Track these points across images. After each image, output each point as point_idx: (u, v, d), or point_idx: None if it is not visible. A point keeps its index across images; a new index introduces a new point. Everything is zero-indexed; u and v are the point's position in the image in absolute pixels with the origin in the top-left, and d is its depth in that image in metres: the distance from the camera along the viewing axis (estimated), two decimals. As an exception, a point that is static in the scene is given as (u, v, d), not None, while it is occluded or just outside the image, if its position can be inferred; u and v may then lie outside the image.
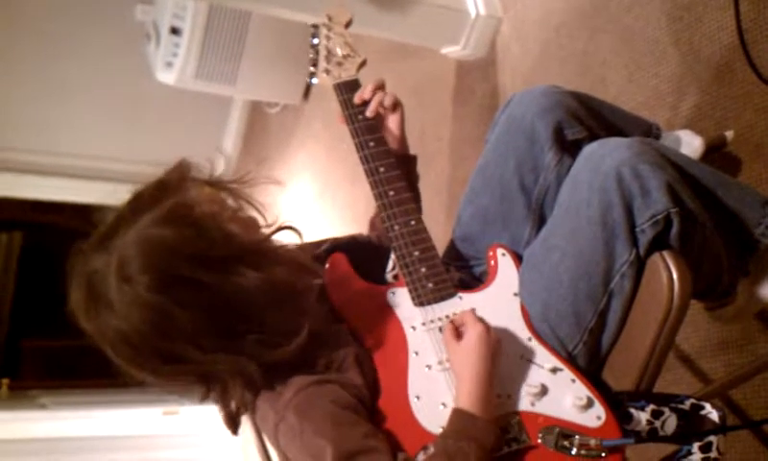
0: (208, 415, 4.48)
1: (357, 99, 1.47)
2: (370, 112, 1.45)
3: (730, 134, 1.85)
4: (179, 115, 4.47)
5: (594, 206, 1.20)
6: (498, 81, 2.70)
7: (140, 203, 1.17)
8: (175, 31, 3.59)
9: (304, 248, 1.37)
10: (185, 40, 3.55)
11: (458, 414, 1.13)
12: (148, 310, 1.11)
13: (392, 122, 1.49)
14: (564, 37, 2.44)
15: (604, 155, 1.23)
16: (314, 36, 1.60)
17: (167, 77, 3.69)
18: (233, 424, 1.26)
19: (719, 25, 1.93)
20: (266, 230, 1.24)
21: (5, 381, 4.79)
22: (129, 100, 4.34)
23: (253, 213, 1.24)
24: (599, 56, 2.29)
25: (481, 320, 1.20)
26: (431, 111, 3.02)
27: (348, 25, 1.59)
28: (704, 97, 1.94)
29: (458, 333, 1.21)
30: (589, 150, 1.27)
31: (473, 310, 1.24)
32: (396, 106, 1.48)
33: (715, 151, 1.84)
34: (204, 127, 4.69)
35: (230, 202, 1.23)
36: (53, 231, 6.15)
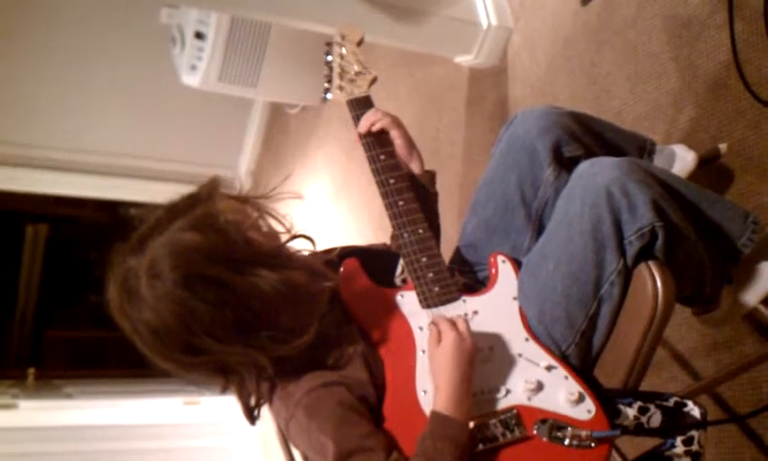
0: (228, 406, 4.54)
1: (364, 128, 1.57)
2: (375, 129, 1.56)
3: (723, 147, 1.94)
4: (201, 115, 4.56)
5: (586, 219, 1.32)
6: (509, 89, 2.81)
7: (174, 211, 1.29)
8: (199, 35, 3.67)
9: (316, 255, 1.47)
10: (209, 45, 3.65)
11: (434, 416, 1.25)
12: (174, 304, 1.23)
13: (396, 139, 1.57)
14: (571, 50, 2.54)
15: (596, 173, 1.34)
16: (327, 53, 1.69)
17: (192, 79, 3.79)
18: (251, 416, 1.38)
19: (715, 43, 2.03)
20: (284, 238, 1.36)
21: (31, 371, 4.89)
22: (153, 100, 4.44)
23: (274, 223, 1.37)
24: (604, 68, 2.39)
25: (455, 327, 1.31)
26: (445, 117, 3.13)
27: (359, 43, 1.70)
28: (700, 111, 2.04)
29: (438, 339, 1.31)
30: (582, 168, 1.38)
31: (450, 318, 1.34)
32: (390, 128, 1.57)
33: (710, 163, 1.94)
34: (226, 127, 4.80)
35: (253, 213, 1.35)
36: (78, 225, 6.30)
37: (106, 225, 6.09)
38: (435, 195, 1.63)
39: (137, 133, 4.53)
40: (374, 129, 1.56)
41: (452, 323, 1.32)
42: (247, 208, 1.35)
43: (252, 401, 1.36)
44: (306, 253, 1.44)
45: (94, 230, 6.29)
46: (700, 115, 2.04)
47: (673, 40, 2.15)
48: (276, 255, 1.31)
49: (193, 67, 3.78)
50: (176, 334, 1.25)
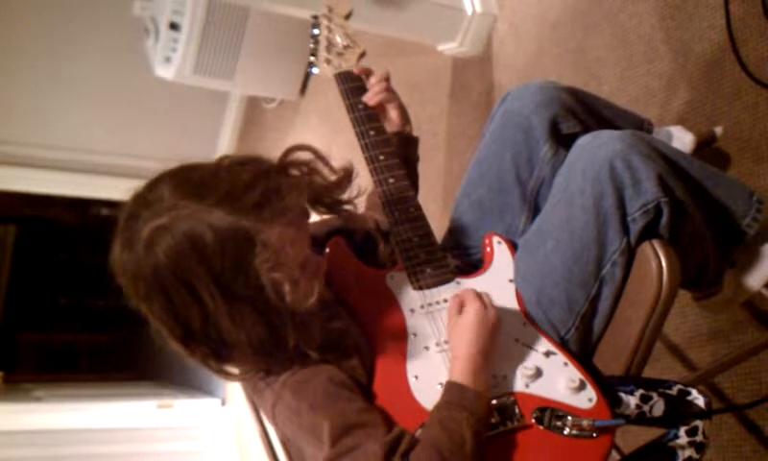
0: (203, 408, 4.53)
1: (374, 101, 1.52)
2: (370, 101, 1.50)
3: (719, 130, 1.89)
4: (175, 110, 4.46)
5: (587, 194, 1.25)
6: (494, 77, 2.74)
7: (243, 193, 1.14)
8: (174, 26, 3.58)
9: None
10: (184, 35, 3.55)
11: (450, 386, 1.17)
12: (143, 280, 1.14)
13: (392, 112, 1.54)
14: (559, 35, 2.49)
15: (598, 146, 1.27)
16: (314, 26, 1.63)
17: (166, 72, 3.69)
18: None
19: (709, 24, 1.97)
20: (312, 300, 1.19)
21: (0, 374, 4.79)
22: (125, 94, 4.32)
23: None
24: (593, 53, 2.34)
25: (480, 298, 1.24)
26: (428, 107, 3.05)
27: (348, 16, 1.63)
28: (694, 94, 1.99)
29: (459, 311, 1.24)
30: (584, 141, 1.31)
31: (474, 289, 1.27)
32: (392, 99, 1.54)
33: (705, 146, 1.89)
34: (201, 122, 4.69)
35: (294, 270, 1.17)
36: (47, 226, 6.18)
37: (76, 225, 5.97)
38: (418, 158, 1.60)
39: (108, 127, 4.41)
40: (374, 102, 1.50)
41: (477, 293, 1.24)
42: (291, 250, 1.16)
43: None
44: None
45: (64, 230, 6.17)
46: (694, 98, 1.99)
47: (665, 22, 2.10)
48: (276, 309, 1.17)
49: (167, 59, 3.68)
50: (134, 291, 1.17)
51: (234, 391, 4.33)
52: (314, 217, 1.41)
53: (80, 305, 6.39)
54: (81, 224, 5.88)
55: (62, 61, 4.15)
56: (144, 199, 1.17)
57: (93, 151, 4.48)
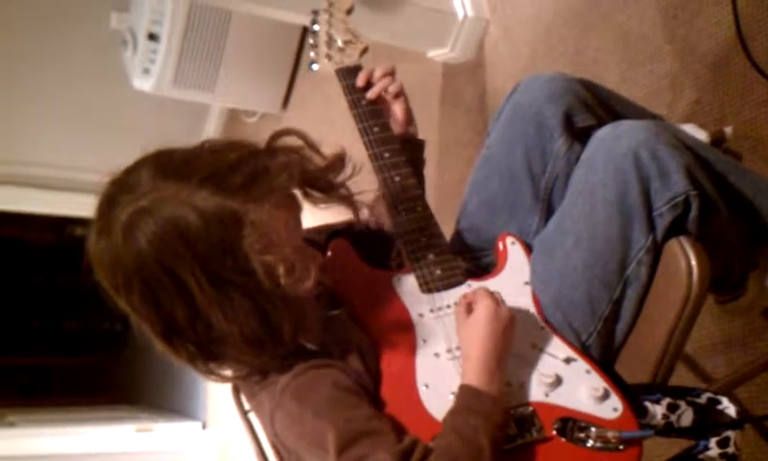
0: (183, 432, 4.43)
1: (361, 80, 1.44)
2: (371, 95, 1.43)
3: (729, 130, 1.82)
4: (154, 124, 4.37)
5: (610, 188, 1.17)
6: (487, 83, 2.66)
7: (228, 173, 1.06)
8: (152, 36, 3.50)
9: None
10: (163, 46, 3.46)
11: (464, 390, 1.09)
12: (121, 269, 1.06)
13: (397, 109, 1.46)
14: (554, 37, 2.42)
15: (620, 136, 1.19)
16: (314, 22, 1.57)
17: (144, 84, 3.61)
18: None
19: (716, 21, 1.91)
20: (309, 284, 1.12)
21: (-30, 401, 4.67)
22: (101, 108, 4.22)
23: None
24: (591, 54, 2.27)
25: (492, 295, 1.16)
26: (417, 116, 2.95)
27: (349, 11, 1.56)
28: (701, 94, 1.92)
29: (470, 310, 1.16)
30: (603, 132, 1.23)
31: (485, 288, 1.19)
32: (400, 94, 1.46)
33: (715, 146, 1.81)
34: (180, 136, 4.53)
35: (286, 249, 1.09)
36: (20, 246, 6.03)
37: (51, 245, 5.82)
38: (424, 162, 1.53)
39: (84, 143, 4.31)
40: (391, 90, 1.44)
41: (487, 291, 1.16)
42: (283, 234, 1.08)
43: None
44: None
45: (40, 251, 6.02)
46: (701, 98, 1.92)
47: (668, 21, 2.03)
48: (269, 295, 1.08)
49: (146, 71, 3.60)
50: (110, 281, 1.08)
51: (215, 414, 4.24)
52: (313, 219, 1.33)
53: (54, 329, 6.26)
54: (56, 244, 5.73)
55: (37, 76, 4.04)
56: (123, 183, 1.08)
57: (68, 167, 4.36)
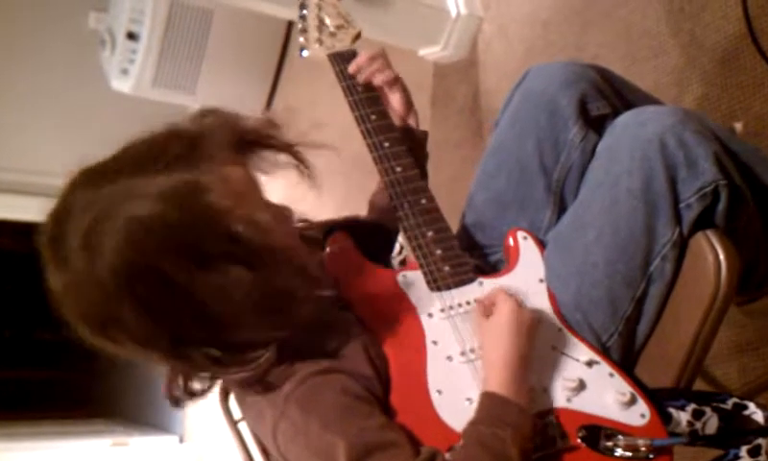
0: (160, 445, 4.33)
1: (352, 68, 1.34)
2: (360, 79, 1.34)
3: (739, 126, 1.75)
4: (131, 127, 4.25)
5: (635, 176, 1.09)
6: (480, 82, 2.58)
7: (162, 152, 0.99)
8: (131, 36, 3.42)
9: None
10: (143, 45, 3.38)
11: (488, 398, 1.00)
12: (101, 292, 0.95)
13: (393, 99, 1.36)
14: (552, 34, 2.34)
15: (645, 122, 1.11)
16: (302, 7, 1.47)
17: (123, 85, 3.51)
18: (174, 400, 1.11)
19: (723, 14, 1.84)
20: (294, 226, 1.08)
21: (-57, 416, 4.54)
22: (78, 110, 4.11)
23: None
24: (592, 51, 2.20)
25: (513, 296, 1.08)
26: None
27: None
28: (709, 88, 1.85)
29: (488, 313, 1.07)
30: (625, 118, 1.15)
31: (503, 288, 1.10)
32: (394, 83, 1.36)
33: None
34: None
35: (254, 191, 1.06)
36: (-7, 255, 5.89)
37: (23, 253, 5.69)
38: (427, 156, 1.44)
39: (58, 146, 4.17)
40: (379, 79, 1.34)
41: (508, 292, 1.07)
42: (247, 187, 1.04)
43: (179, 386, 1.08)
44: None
45: (12, 259, 5.89)
46: (708, 93, 1.85)
47: (673, 15, 1.96)
48: (261, 251, 1.00)
49: (124, 71, 3.51)
50: (92, 316, 0.98)
51: (193, 428, 4.14)
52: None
53: (26, 339, 6.11)
54: (28, 252, 5.60)
55: (10, 77, 3.93)
56: (59, 213, 0.99)
57: (41, 172, 4.24)
